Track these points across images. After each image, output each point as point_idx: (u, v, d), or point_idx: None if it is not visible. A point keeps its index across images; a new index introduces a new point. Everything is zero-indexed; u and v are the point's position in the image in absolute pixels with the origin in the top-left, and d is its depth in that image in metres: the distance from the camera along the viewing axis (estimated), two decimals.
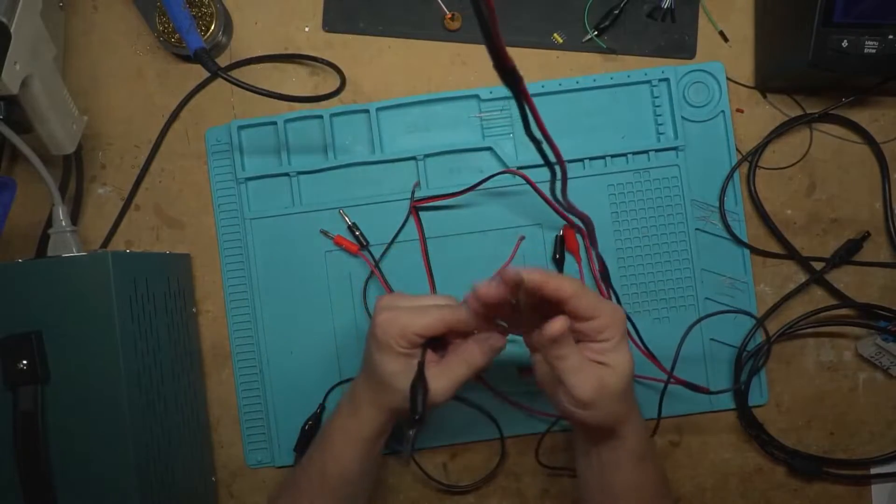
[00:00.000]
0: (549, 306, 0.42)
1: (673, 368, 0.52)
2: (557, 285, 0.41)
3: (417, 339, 0.44)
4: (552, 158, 0.33)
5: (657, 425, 0.58)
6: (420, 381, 0.44)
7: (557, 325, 0.40)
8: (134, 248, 0.62)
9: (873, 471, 0.61)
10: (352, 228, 0.59)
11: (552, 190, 0.35)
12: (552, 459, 0.60)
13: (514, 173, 0.57)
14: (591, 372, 0.42)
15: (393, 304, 0.46)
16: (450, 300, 0.47)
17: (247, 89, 0.54)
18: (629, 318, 0.47)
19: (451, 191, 0.58)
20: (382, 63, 0.62)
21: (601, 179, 0.60)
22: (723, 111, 0.60)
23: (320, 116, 0.60)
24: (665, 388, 0.55)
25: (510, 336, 0.46)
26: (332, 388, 0.60)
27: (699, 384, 0.55)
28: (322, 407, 0.60)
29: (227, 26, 0.61)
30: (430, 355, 0.46)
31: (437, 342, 0.47)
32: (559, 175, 0.34)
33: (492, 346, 0.45)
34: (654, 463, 0.48)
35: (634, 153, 0.59)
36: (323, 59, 0.61)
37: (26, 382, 0.45)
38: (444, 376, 0.44)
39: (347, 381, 0.60)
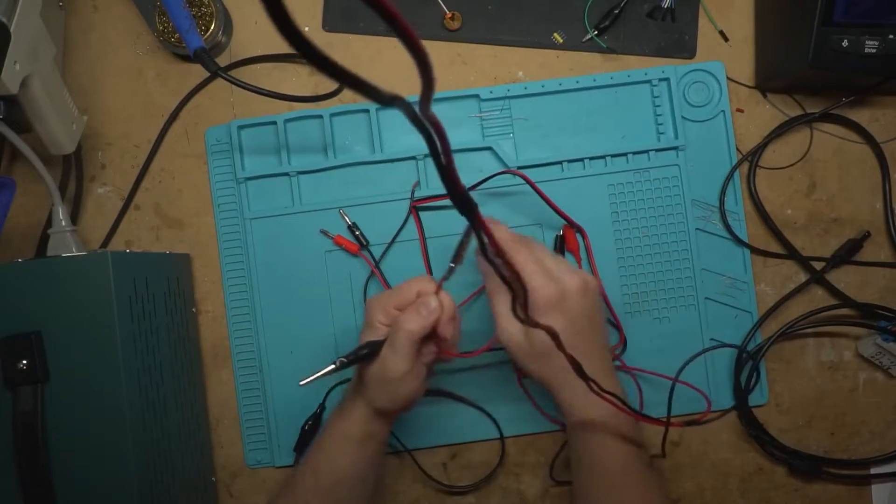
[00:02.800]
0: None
1: (669, 412, 0.52)
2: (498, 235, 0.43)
3: (396, 312, 0.46)
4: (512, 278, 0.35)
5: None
6: (374, 343, 0.45)
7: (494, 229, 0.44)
8: (134, 248, 0.62)
9: (873, 471, 0.61)
10: (352, 228, 0.59)
11: (514, 309, 0.37)
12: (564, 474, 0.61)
13: (514, 173, 0.57)
14: (497, 320, 0.46)
15: (381, 292, 0.49)
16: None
17: (247, 89, 0.55)
18: (611, 393, 0.45)
19: None
20: (382, 63, 0.62)
21: (601, 179, 0.60)
22: (723, 111, 0.60)
23: (320, 116, 0.60)
24: (666, 432, 0.54)
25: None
26: (332, 388, 0.60)
27: (698, 390, 0.56)
28: (322, 407, 0.60)
29: (227, 26, 0.61)
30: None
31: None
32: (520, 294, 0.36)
33: (425, 307, 0.44)
34: (607, 435, 0.47)
35: (634, 153, 0.59)
36: None
37: (26, 382, 0.45)
38: (390, 347, 0.44)
39: (347, 381, 0.60)
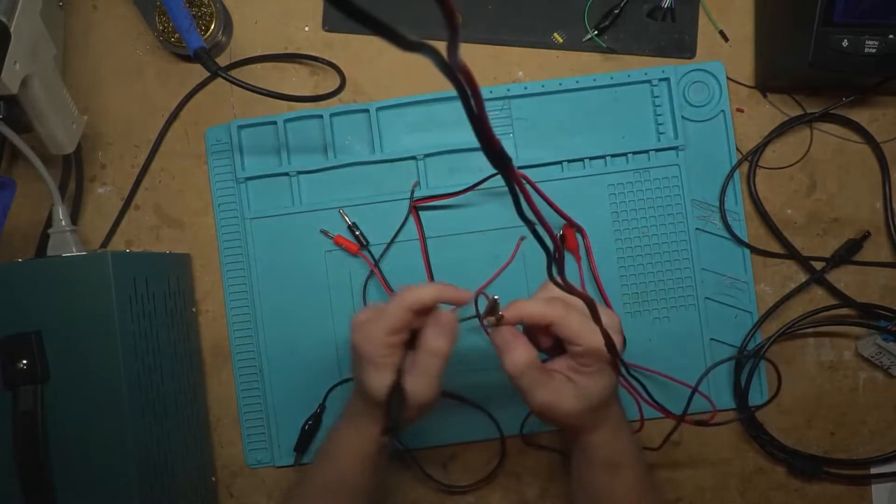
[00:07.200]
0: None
1: (687, 409, 0.52)
2: (539, 314, 0.43)
3: (394, 338, 0.44)
4: (549, 241, 0.33)
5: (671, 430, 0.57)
6: (396, 391, 0.43)
7: (509, 365, 0.43)
8: (134, 247, 0.62)
9: (873, 471, 0.61)
10: (352, 228, 0.59)
11: (549, 271, 0.36)
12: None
13: None
14: (545, 391, 0.43)
15: (362, 320, 0.45)
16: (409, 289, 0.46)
17: (247, 89, 0.55)
18: (637, 379, 0.47)
19: (451, 190, 0.58)
20: (382, 63, 0.62)
21: (601, 179, 0.60)
22: (723, 111, 0.60)
23: (320, 116, 0.60)
24: (675, 427, 0.54)
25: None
26: (332, 388, 0.60)
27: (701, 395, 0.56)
28: (322, 407, 0.60)
29: (227, 26, 0.61)
30: (411, 361, 0.45)
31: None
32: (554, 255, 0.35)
33: (444, 325, 0.44)
34: (631, 471, 0.47)
35: (634, 153, 0.59)
36: (323, 59, 0.61)
37: (26, 382, 0.45)
38: (418, 374, 0.44)
39: (348, 380, 0.60)
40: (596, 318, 0.38)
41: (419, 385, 0.44)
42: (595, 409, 0.44)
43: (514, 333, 0.44)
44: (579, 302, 0.42)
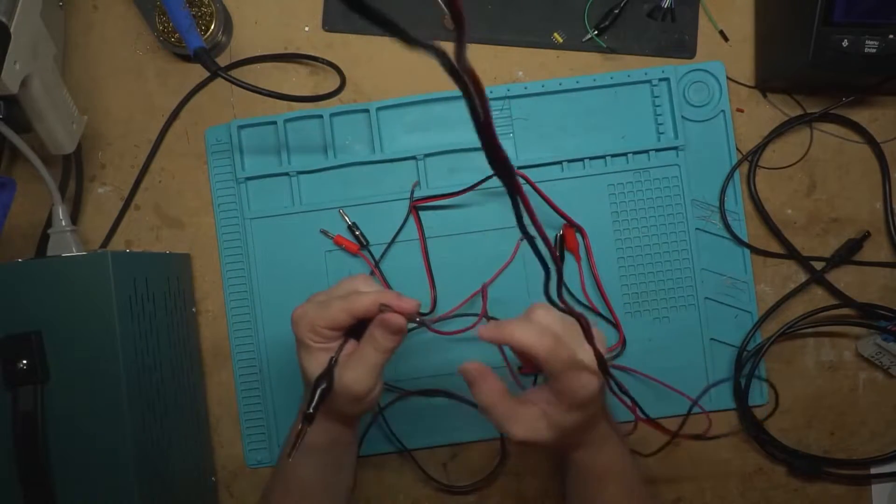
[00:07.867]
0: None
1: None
2: (527, 345, 0.41)
3: (328, 332, 0.44)
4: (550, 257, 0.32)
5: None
6: (325, 376, 0.43)
7: (478, 401, 0.44)
8: (134, 247, 0.62)
9: (873, 471, 0.60)
10: (352, 228, 0.59)
11: (546, 290, 0.35)
12: None
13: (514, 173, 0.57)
14: (518, 425, 0.43)
15: (308, 301, 0.46)
16: (365, 284, 0.46)
17: (247, 89, 0.55)
18: (629, 395, 0.44)
19: (451, 190, 0.58)
20: (382, 63, 0.62)
21: (601, 179, 0.60)
22: (723, 111, 0.60)
23: (320, 116, 0.60)
24: (668, 441, 0.55)
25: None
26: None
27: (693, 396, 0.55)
28: None
29: (227, 26, 0.61)
30: (353, 346, 0.45)
31: (361, 332, 0.46)
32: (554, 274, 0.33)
33: (392, 328, 0.43)
34: (620, 483, 0.47)
35: (634, 153, 0.59)
36: (323, 59, 0.61)
37: (26, 382, 0.45)
38: (357, 364, 0.44)
39: None
40: (589, 339, 0.38)
41: (356, 374, 0.43)
42: (572, 434, 0.44)
43: (480, 370, 0.44)
44: (570, 330, 0.41)
